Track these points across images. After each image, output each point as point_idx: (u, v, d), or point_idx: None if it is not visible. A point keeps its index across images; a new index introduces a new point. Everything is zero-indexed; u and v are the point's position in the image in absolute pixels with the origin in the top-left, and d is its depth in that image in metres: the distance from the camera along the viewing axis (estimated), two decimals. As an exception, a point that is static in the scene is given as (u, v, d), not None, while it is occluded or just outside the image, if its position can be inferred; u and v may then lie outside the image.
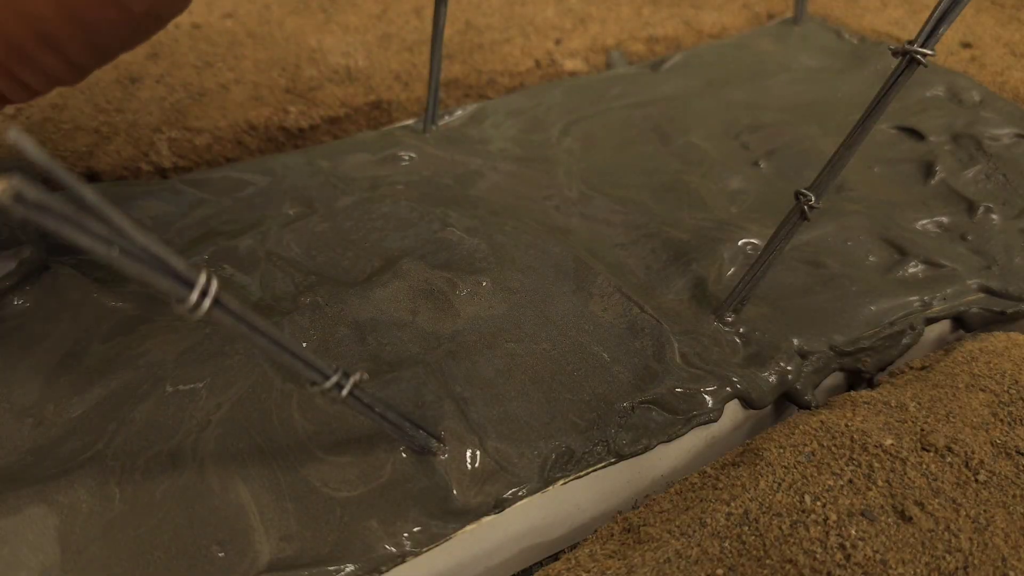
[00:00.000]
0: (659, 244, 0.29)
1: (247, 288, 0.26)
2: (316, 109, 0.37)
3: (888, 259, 0.29)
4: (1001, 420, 0.22)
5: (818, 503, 0.19)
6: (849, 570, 0.18)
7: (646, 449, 0.22)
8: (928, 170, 0.32)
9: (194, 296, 0.14)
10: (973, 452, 0.21)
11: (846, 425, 0.21)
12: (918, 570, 0.18)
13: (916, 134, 0.35)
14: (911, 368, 0.26)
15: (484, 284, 0.26)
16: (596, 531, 0.22)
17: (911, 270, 0.28)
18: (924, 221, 0.30)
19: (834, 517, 0.19)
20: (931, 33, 0.22)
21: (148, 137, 0.34)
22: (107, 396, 0.22)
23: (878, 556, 0.18)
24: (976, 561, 0.18)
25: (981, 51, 0.41)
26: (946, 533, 0.19)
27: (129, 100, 0.34)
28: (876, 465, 0.20)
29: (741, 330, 0.25)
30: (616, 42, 0.44)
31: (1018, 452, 0.21)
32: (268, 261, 0.28)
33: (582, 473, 0.22)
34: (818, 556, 0.18)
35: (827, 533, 0.19)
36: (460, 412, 0.22)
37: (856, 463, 0.20)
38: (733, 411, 0.24)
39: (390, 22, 0.41)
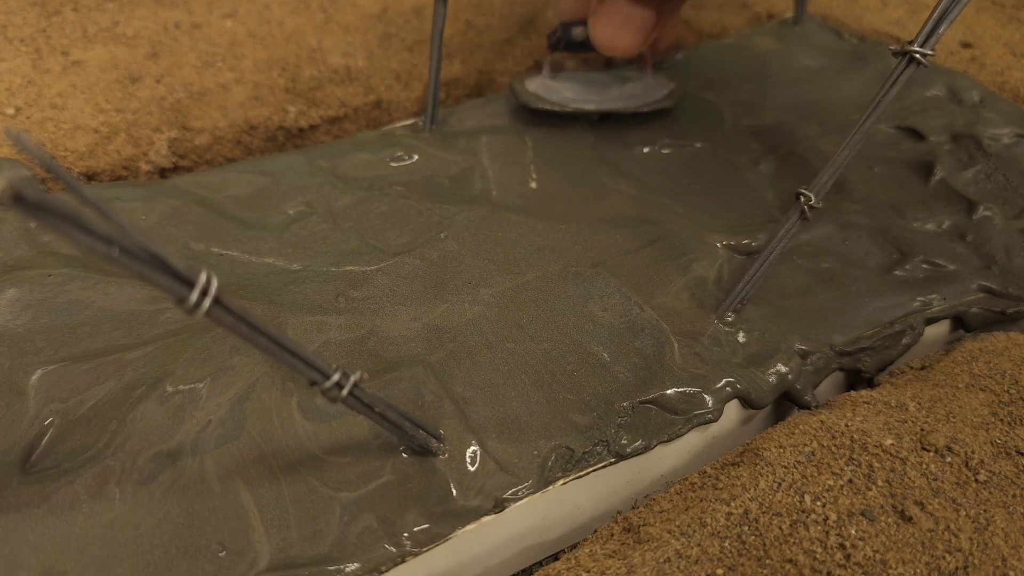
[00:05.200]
0: (659, 244, 0.29)
1: (248, 288, 0.26)
2: (316, 109, 0.37)
3: (888, 259, 0.29)
4: (1001, 420, 0.22)
5: (818, 503, 0.19)
6: (849, 570, 0.18)
7: (646, 449, 0.22)
8: (928, 170, 0.32)
9: (194, 295, 0.14)
10: (973, 452, 0.21)
11: (846, 425, 0.21)
12: (918, 570, 0.18)
13: (916, 134, 0.35)
14: (911, 368, 0.26)
15: (484, 284, 0.26)
16: (596, 531, 0.22)
17: (911, 270, 0.28)
18: (924, 221, 0.30)
19: (834, 517, 0.19)
20: (931, 33, 0.22)
21: (148, 137, 0.34)
22: (107, 396, 0.22)
23: (878, 556, 0.18)
24: (976, 561, 0.18)
25: (981, 51, 0.41)
26: (946, 533, 0.19)
27: (129, 100, 0.34)
28: (876, 465, 0.20)
29: (741, 330, 0.25)
30: (616, 42, 0.44)
31: (1018, 452, 0.21)
32: (268, 261, 0.28)
33: (582, 473, 0.22)
34: (818, 556, 0.18)
35: (827, 533, 0.19)
36: (460, 412, 0.22)
37: (856, 463, 0.20)
38: (733, 411, 0.24)
39: (390, 22, 0.41)
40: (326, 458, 0.21)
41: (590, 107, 0.34)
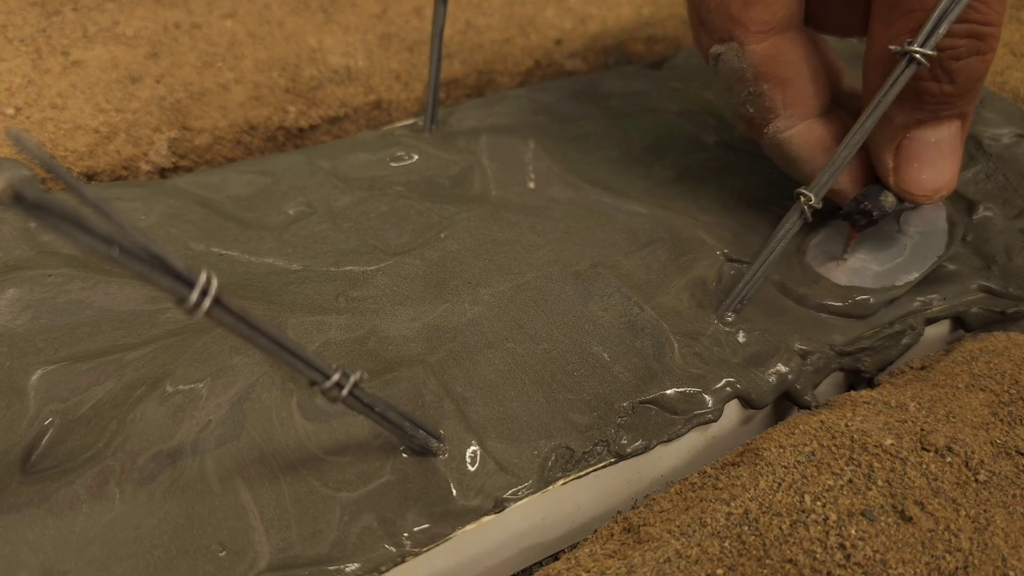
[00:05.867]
0: (659, 244, 0.29)
1: (248, 288, 0.26)
2: (316, 109, 0.37)
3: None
4: (1001, 420, 0.22)
5: (818, 503, 0.19)
6: (849, 570, 0.18)
7: (646, 449, 0.22)
8: (928, 170, 0.32)
9: (194, 296, 0.14)
10: (973, 452, 0.21)
11: (846, 425, 0.21)
12: (918, 570, 0.18)
13: (916, 134, 0.35)
14: (911, 368, 0.26)
15: (484, 284, 0.26)
16: (596, 531, 0.22)
17: (911, 270, 0.28)
18: (924, 221, 0.30)
19: (834, 517, 0.19)
20: (931, 33, 0.22)
21: (148, 137, 0.34)
22: (107, 396, 0.22)
23: (878, 556, 0.18)
24: (976, 561, 0.18)
25: (981, 51, 0.41)
26: (946, 533, 0.19)
27: (129, 100, 0.34)
28: (876, 465, 0.20)
29: (741, 330, 0.25)
30: (616, 42, 0.44)
31: (1018, 452, 0.21)
32: (268, 261, 0.28)
33: (582, 473, 0.22)
34: (818, 556, 0.18)
35: (827, 533, 0.19)
36: (460, 412, 0.22)
37: (856, 463, 0.20)
38: (733, 411, 0.24)
39: (390, 22, 0.41)
40: (326, 458, 0.21)
41: (913, 276, 0.28)
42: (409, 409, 0.22)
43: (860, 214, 0.27)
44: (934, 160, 0.25)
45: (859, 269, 0.28)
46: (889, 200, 0.27)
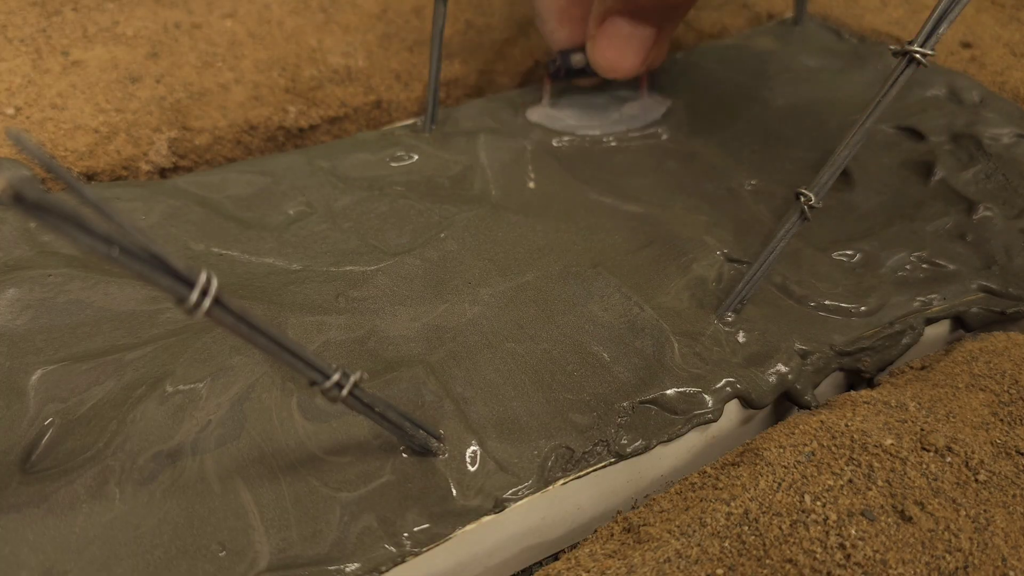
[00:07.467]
0: (659, 244, 0.29)
1: (248, 288, 0.26)
2: (316, 109, 0.37)
3: (889, 259, 0.29)
4: (1001, 420, 0.22)
5: (818, 503, 0.19)
6: (849, 570, 0.18)
7: (646, 449, 0.22)
8: (928, 170, 0.32)
9: (194, 295, 0.14)
10: (973, 452, 0.21)
11: (846, 425, 0.21)
12: (918, 570, 0.18)
13: (916, 134, 0.35)
14: (911, 368, 0.26)
15: (484, 284, 0.26)
16: (596, 531, 0.22)
17: (911, 270, 0.28)
18: (924, 221, 0.30)
19: (834, 517, 0.19)
20: (931, 33, 0.22)
21: (148, 137, 0.34)
22: (107, 396, 0.22)
23: (878, 556, 0.18)
24: (976, 561, 0.18)
25: (981, 51, 0.41)
26: (946, 533, 0.19)
27: (129, 100, 0.34)
28: (876, 465, 0.20)
29: (741, 330, 0.25)
30: (616, 42, 0.44)
31: (1018, 452, 0.21)
32: (268, 261, 0.28)
33: (582, 473, 0.22)
34: (818, 556, 0.18)
35: (827, 533, 0.19)
36: (460, 412, 0.22)
37: (856, 463, 0.20)
38: (733, 411, 0.24)
39: (390, 22, 0.41)
40: (326, 458, 0.21)
41: (594, 132, 0.35)
42: (409, 409, 0.22)
43: (552, 63, 0.35)
44: (621, 45, 0.31)
45: (555, 116, 0.35)
46: (576, 58, 0.33)
